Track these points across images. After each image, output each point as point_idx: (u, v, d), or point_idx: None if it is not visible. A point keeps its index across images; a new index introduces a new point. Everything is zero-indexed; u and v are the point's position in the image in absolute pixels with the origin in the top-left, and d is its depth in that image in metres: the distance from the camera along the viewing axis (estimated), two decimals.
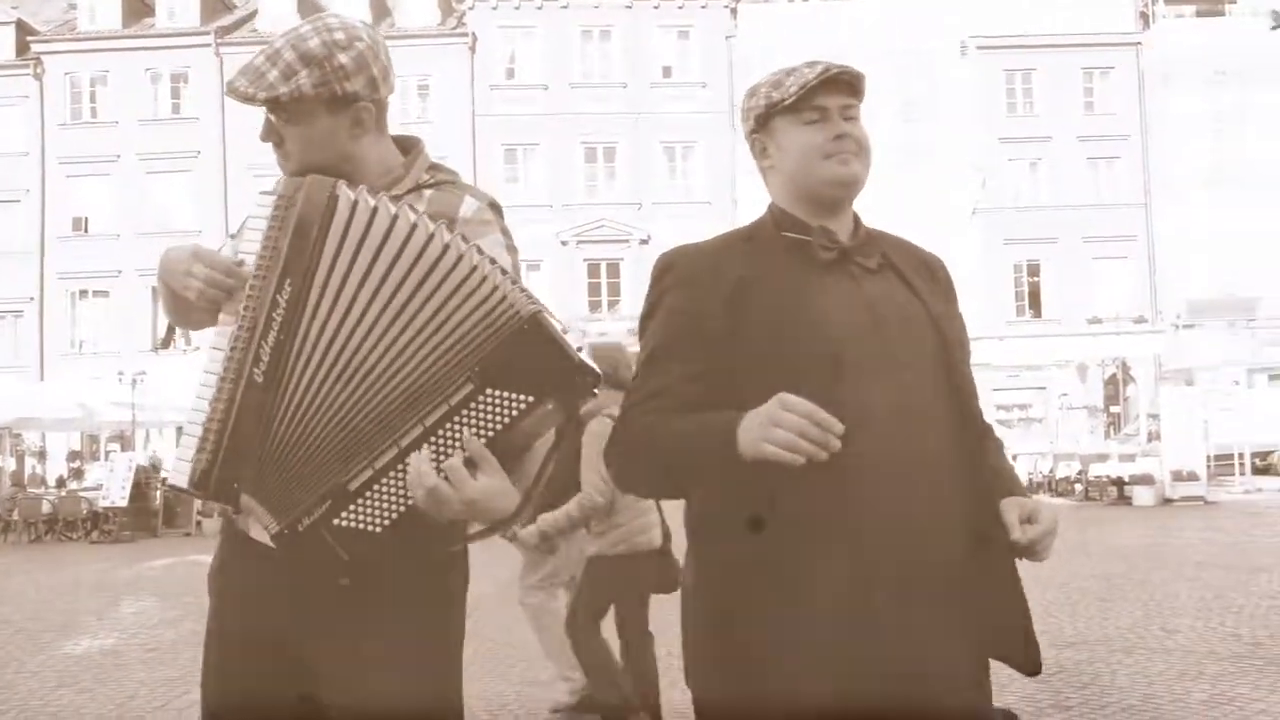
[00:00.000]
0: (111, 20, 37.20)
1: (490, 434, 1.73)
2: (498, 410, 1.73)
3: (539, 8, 36.62)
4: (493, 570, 5.45)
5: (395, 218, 1.75)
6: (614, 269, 36.06)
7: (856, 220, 2.03)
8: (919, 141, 34.48)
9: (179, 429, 1.89)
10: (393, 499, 1.76)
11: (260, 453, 1.78)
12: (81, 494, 21.65)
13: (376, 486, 1.76)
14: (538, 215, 35.74)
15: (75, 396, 23.69)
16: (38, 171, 35.92)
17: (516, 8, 36.66)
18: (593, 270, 36.14)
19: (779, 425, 1.67)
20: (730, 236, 2.05)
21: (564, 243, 35.78)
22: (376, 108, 1.99)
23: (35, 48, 36.55)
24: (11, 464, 28.95)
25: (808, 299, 1.88)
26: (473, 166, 35.73)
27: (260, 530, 1.89)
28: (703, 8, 36.80)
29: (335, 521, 1.76)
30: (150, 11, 38.10)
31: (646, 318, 2.02)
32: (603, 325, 34.99)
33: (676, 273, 1.98)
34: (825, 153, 1.95)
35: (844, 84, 1.98)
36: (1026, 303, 36.01)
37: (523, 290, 1.76)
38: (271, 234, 1.81)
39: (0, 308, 35.79)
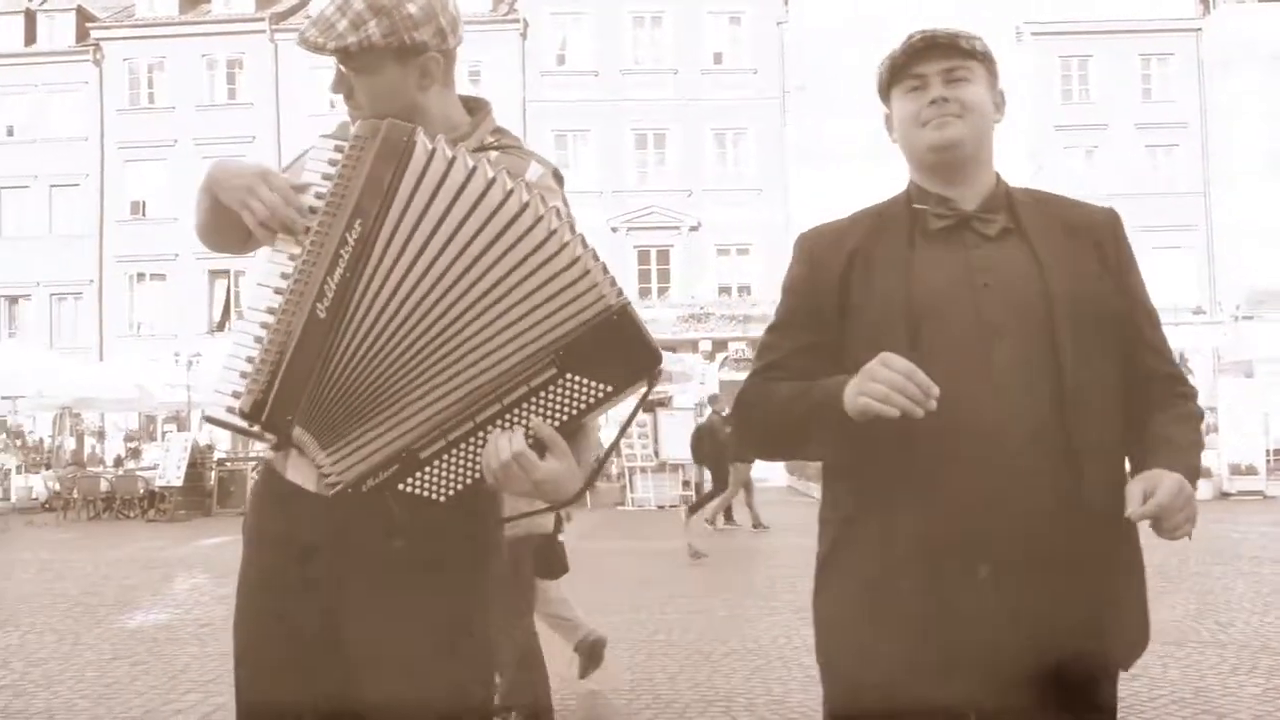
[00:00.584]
0: (169, 7, 37.60)
1: (564, 418, 1.76)
2: (575, 396, 1.75)
3: None
4: None
5: (473, 170, 1.74)
6: (664, 256, 36.01)
7: (997, 183, 2.00)
8: None
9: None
10: (461, 470, 1.78)
11: (317, 389, 1.78)
12: (138, 473, 21.99)
13: (447, 456, 1.77)
14: (588, 202, 35.72)
15: (133, 378, 24.09)
16: (97, 156, 36.42)
17: None
18: (643, 257, 36.10)
19: (876, 379, 1.74)
20: (862, 213, 2.08)
21: (614, 229, 35.75)
22: (445, 59, 2.01)
23: (95, 34, 37.03)
24: (71, 443, 29.50)
25: (904, 271, 1.92)
26: None
27: (301, 471, 1.90)
28: None
29: (400, 486, 1.77)
30: None
31: (781, 293, 2.12)
32: (653, 312, 35.00)
33: (801, 250, 2.07)
34: (922, 120, 1.96)
35: (941, 48, 1.96)
36: None
37: (606, 273, 1.77)
38: (345, 172, 1.81)
39: (60, 290, 36.36)
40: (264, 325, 1.81)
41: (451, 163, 1.75)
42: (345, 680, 1.91)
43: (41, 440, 29.52)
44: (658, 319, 34.90)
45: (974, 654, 1.80)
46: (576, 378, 1.74)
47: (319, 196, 1.84)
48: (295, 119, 35.07)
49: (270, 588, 1.96)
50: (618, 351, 1.74)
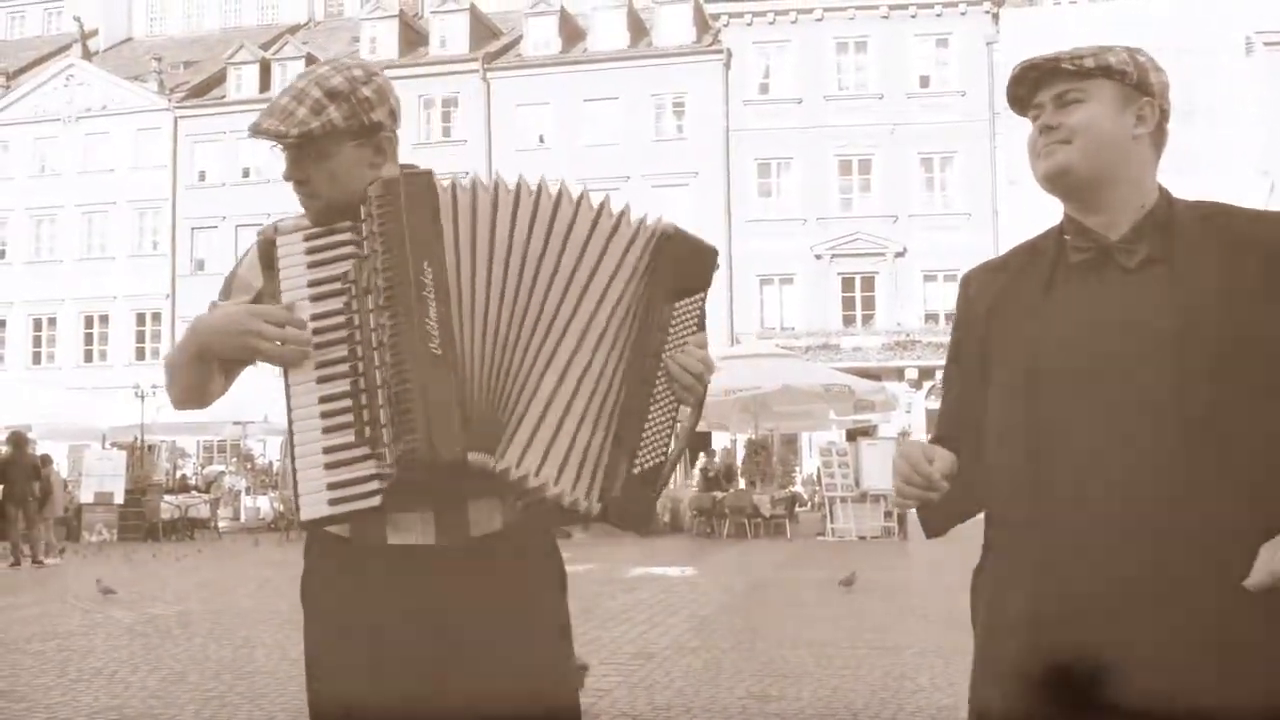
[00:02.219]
0: (389, 51, 39.54)
1: (692, 332, 2.03)
2: (687, 314, 2.03)
3: (793, 21, 36.54)
4: None
5: (485, 186, 1.95)
6: (869, 283, 35.52)
7: (1155, 206, 1.82)
8: (1200, 144, 32.38)
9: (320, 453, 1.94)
10: (664, 428, 2.00)
11: (464, 411, 1.88)
12: None
13: (649, 424, 1.98)
14: (791, 229, 35.63)
15: None
16: None
17: (771, 22, 36.70)
18: (847, 284, 35.71)
19: (894, 470, 1.84)
20: (1020, 246, 2.01)
21: (818, 256, 35.50)
22: (394, 137, 2.10)
23: None
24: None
25: (1035, 309, 1.84)
26: (726, 181, 36.00)
27: (413, 529, 1.99)
28: (962, 14, 35.82)
29: (634, 470, 1.96)
30: (424, 41, 40.26)
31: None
32: (857, 339, 34.53)
33: (962, 290, 2.06)
34: (1036, 150, 1.88)
35: (1049, 72, 1.87)
36: None
37: (630, 210, 2.02)
38: (385, 228, 1.92)
39: None
40: (343, 410, 1.90)
41: (472, 188, 1.95)
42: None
43: (270, 463, 31.20)
44: (862, 346, 34.41)
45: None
46: (681, 302, 2.02)
47: (335, 279, 1.94)
48: (505, 154, 36.28)
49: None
50: (689, 264, 2.05)
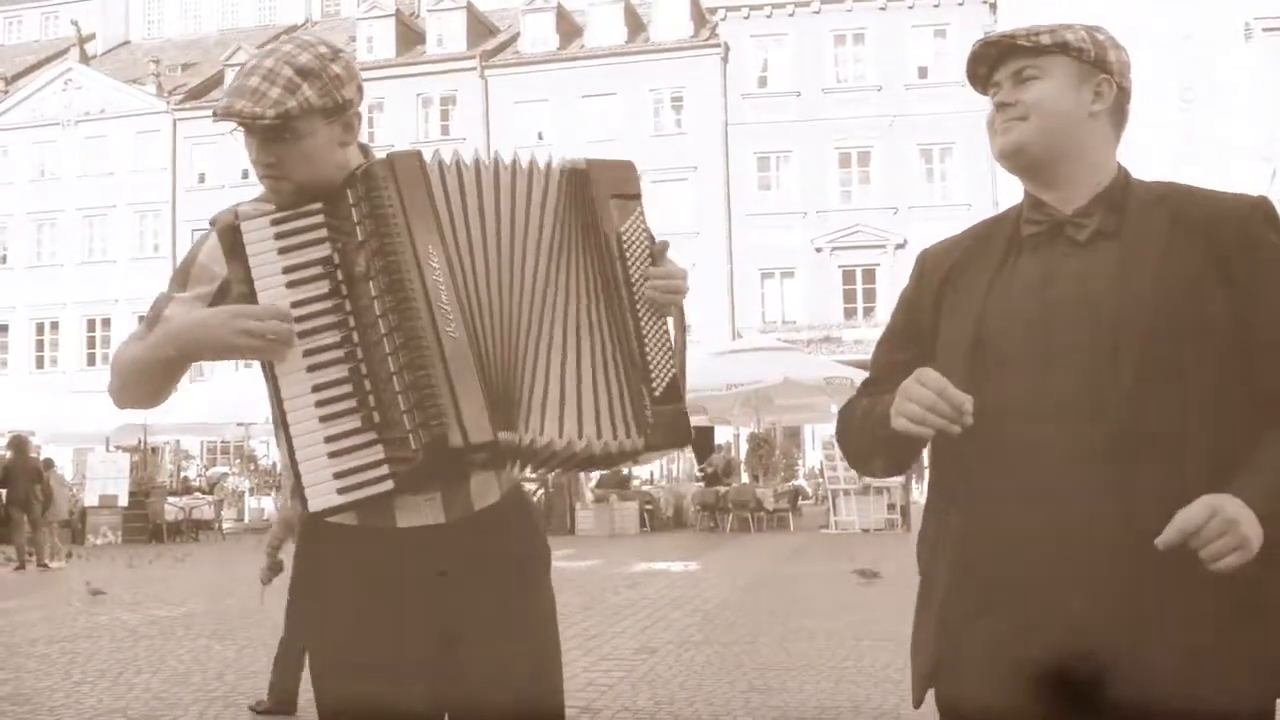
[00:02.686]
0: (387, 50, 39.52)
1: (646, 234, 2.07)
2: (636, 232, 2.05)
3: (790, 15, 36.49)
4: None
5: (467, 162, 1.99)
6: (869, 275, 35.48)
7: (1112, 183, 1.82)
8: (1199, 131, 32.36)
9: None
10: (662, 345, 2.05)
11: (491, 393, 1.91)
12: None
13: (648, 349, 2.03)
14: (791, 223, 35.60)
15: None
16: None
17: (768, 16, 36.65)
18: (848, 277, 35.67)
19: (911, 399, 1.72)
20: (979, 224, 2.02)
21: (818, 249, 35.47)
22: (359, 114, 2.08)
23: None
24: None
25: (984, 283, 1.85)
26: (726, 175, 35.96)
27: (420, 511, 2.00)
28: (959, 4, 35.75)
29: (655, 394, 2.01)
30: (421, 39, 40.24)
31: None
32: (858, 332, 34.49)
33: (916, 262, 2.04)
34: (994, 127, 1.88)
35: (1005, 48, 1.86)
36: None
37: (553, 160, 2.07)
38: (380, 208, 1.92)
39: None
40: (344, 397, 1.89)
41: (456, 165, 1.99)
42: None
43: (274, 464, 31.21)
44: (863, 339, 34.34)
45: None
46: (622, 227, 2.05)
47: (314, 264, 1.92)
48: (504, 151, 36.12)
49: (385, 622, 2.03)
50: (614, 172, 2.07)
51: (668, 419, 2.03)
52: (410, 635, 2.00)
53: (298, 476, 1.87)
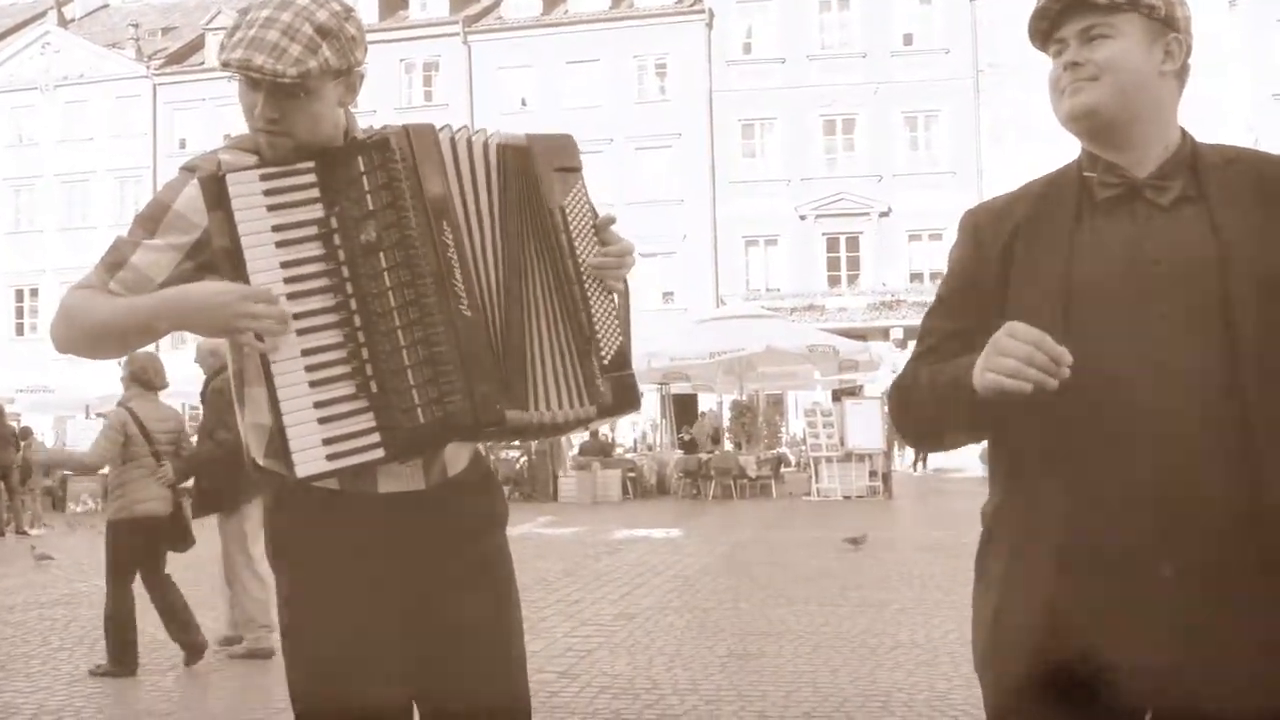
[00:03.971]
0: (370, 14, 39.08)
1: (589, 207, 2.08)
2: (578, 205, 2.06)
3: None
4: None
5: (478, 142, 1.99)
6: (853, 243, 35.43)
7: (1181, 145, 1.79)
8: (1185, 98, 32.29)
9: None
10: (608, 315, 2.07)
11: (497, 373, 1.93)
12: None
13: (596, 319, 2.04)
14: (775, 190, 35.49)
15: None
16: None
17: None
18: (832, 244, 35.61)
19: (1004, 353, 1.61)
20: (1031, 184, 1.91)
21: (802, 217, 35.39)
22: (363, 74, 2.06)
23: None
24: None
25: (1065, 247, 1.76)
26: (710, 142, 35.80)
27: (400, 478, 2.00)
28: None
29: (604, 362, 2.05)
30: (404, 4, 39.85)
31: (945, 274, 2.01)
32: (843, 300, 34.50)
33: (965, 228, 1.93)
34: (1059, 87, 1.80)
35: (1086, 6, 1.77)
36: None
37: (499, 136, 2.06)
38: (396, 182, 1.91)
39: None
40: (346, 360, 1.88)
41: (470, 143, 1.98)
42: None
43: None
44: (847, 307, 34.39)
45: (1144, 673, 1.64)
46: (564, 201, 2.05)
47: (308, 224, 1.89)
48: (487, 117, 36.02)
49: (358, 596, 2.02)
50: (552, 143, 2.07)
51: (617, 386, 2.06)
52: (386, 601, 2.01)
53: (284, 441, 1.83)
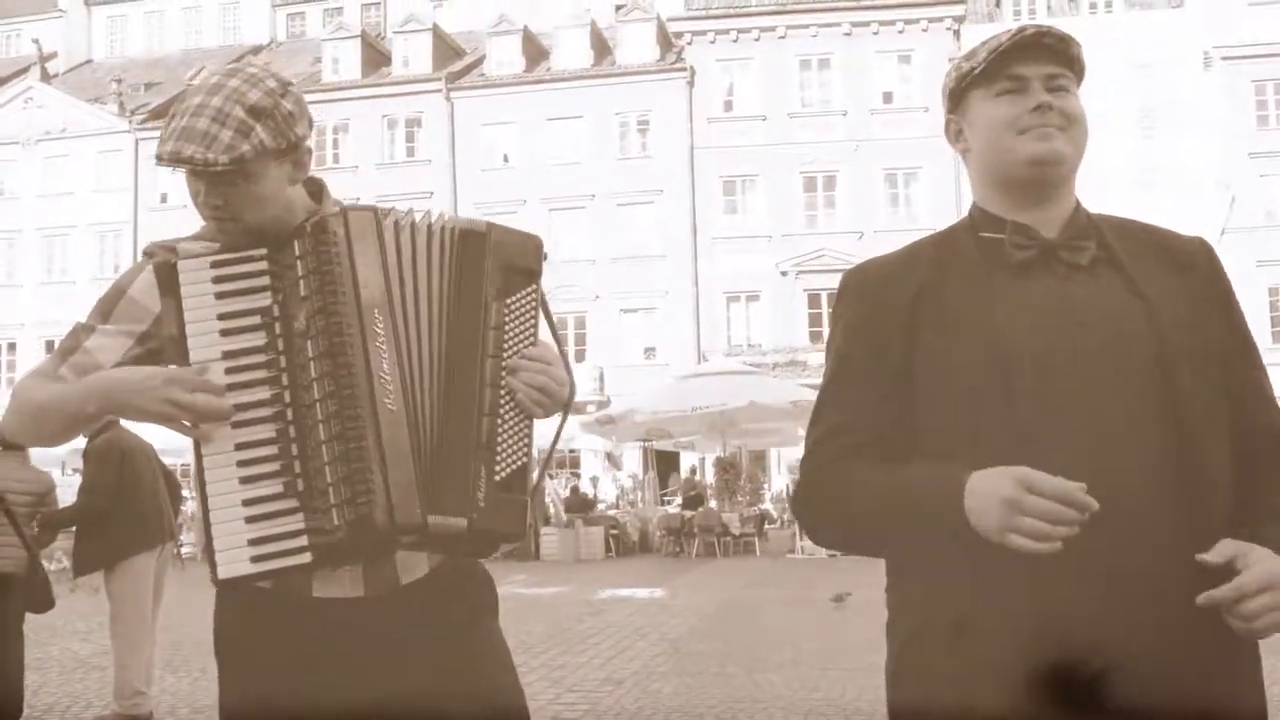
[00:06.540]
0: (352, 71, 39.31)
1: (533, 330, 1.94)
2: (522, 310, 1.93)
3: (756, 39, 36.63)
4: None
5: (414, 225, 1.92)
6: (834, 299, 35.50)
7: (1077, 208, 1.74)
8: (1160, 159, 32.72)
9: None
10: (518, 433, 1.89)
11: (420, 473, 1.79)
12: None
13: (501, 430, 1.87)
14: (757, 246, 35.63)
15: None
16: None
17: (734, 41, 36.77)
18: (813, 301, 35.70)
19: (1027, 513, 1.48)
20: (918, 244, 1.80)
21: (784, 273, 35.51)
22: (310, 150, 1.97)
23: None
24: None
25: (988, 308, 1.65)
26: (691, 199, 35.97)
27: (340, 583, 1.85)
28: (924, 31, 36.04)
29: (496, 477, 1.84)
30: (386, 61, 40.09)
31: (828, 344, 1.86)
32: (823, 356, 34.48)
33: (851, 291, 1.81)
34: (1020, 127, 1.69)
35: (1048, 50, 1.71)
36: None
37: (457, 219, 1.97)
38: (328, 266, 1.82)
39: None
40: (275, 458, 1.77)
41: (413, 227, 1.91)
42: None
43: None
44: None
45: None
46: (511, 298, 1.92)
47: (252, 313, 1.82)
48: (469, 173, 36.22)
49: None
50: (512, 254, 1.94)
51: (499, 506, 1.85)
52: (327, 711, 1.84)
53: (209, 539, 1.75)
